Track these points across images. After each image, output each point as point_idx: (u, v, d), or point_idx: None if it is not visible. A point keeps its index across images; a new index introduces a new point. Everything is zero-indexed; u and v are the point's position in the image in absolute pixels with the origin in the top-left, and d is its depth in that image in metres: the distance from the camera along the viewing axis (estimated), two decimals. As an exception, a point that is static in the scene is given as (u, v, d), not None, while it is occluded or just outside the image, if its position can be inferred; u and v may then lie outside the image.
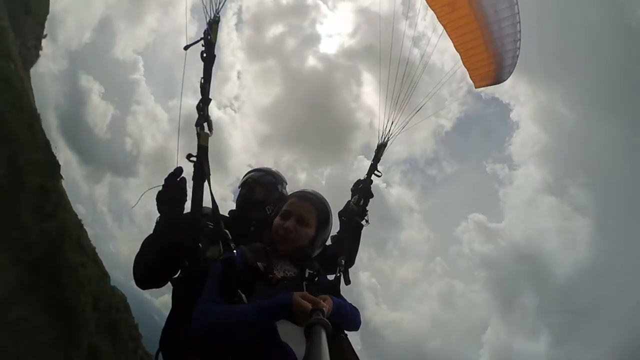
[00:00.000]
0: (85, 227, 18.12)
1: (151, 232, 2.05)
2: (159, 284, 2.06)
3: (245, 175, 2.62)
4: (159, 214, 1.98)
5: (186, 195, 1.96)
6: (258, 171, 2.60)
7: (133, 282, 2.03)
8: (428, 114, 3.12)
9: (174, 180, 1.93)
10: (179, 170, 1.94)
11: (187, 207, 2.01)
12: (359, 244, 2.66)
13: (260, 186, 2.47)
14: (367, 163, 2.93)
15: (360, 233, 2.66)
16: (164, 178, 1.95)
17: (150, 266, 1.99)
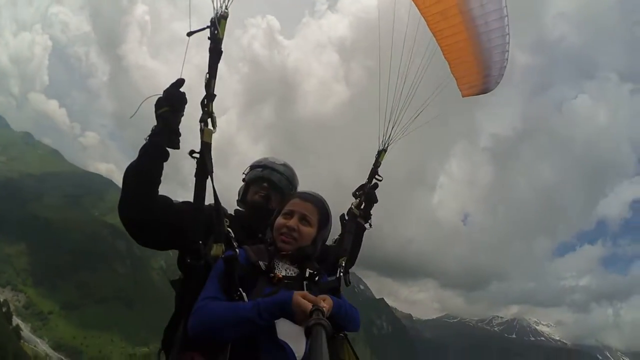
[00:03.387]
0: None
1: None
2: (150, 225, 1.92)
3: (262, 168, 2.49)
4: (156, 121, 1.90)
5: (184, 106, 1.91)
6: (274, 172, 2.47)
7: None
8: (428, 117, 3.10)
9: (176, 89, 1.88)
10: (181, 80, 1.90)
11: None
12: (360, 247, 2.69)
13: (277, 194, 2.39)
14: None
15: (362, 236, 2.70)
16: (165, 88, 1.90)
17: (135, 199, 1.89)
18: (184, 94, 1.89)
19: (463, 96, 3.59)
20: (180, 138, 1.92)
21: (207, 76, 1.92)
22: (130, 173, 1.88)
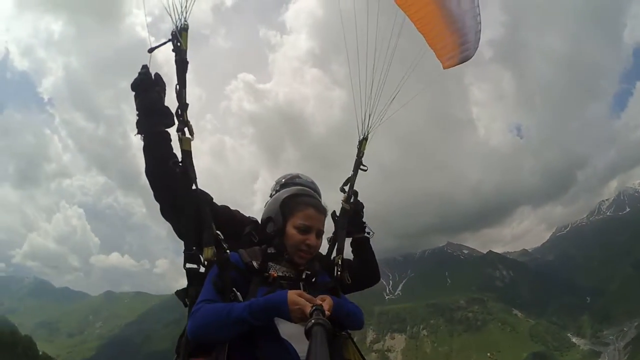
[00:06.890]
0: None
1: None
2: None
3: (300, 186, 2.21)
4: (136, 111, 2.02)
5: (152, 83, 1.99)
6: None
7: None
8: (406, 99, 2.92)
9: (138, 75, 2.00)
10: (144, 66, 2.01)
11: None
12: (374, 257, 2.53)
13: None
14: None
15: (369, 245, 2.53)
16: None
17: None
18: (145, 75, 1.99)
19: (444, 68, 3.48)
20: (167, 113, 2.00)
21: (177, 87, 1.98)
22: (147, 174, 2.03)
